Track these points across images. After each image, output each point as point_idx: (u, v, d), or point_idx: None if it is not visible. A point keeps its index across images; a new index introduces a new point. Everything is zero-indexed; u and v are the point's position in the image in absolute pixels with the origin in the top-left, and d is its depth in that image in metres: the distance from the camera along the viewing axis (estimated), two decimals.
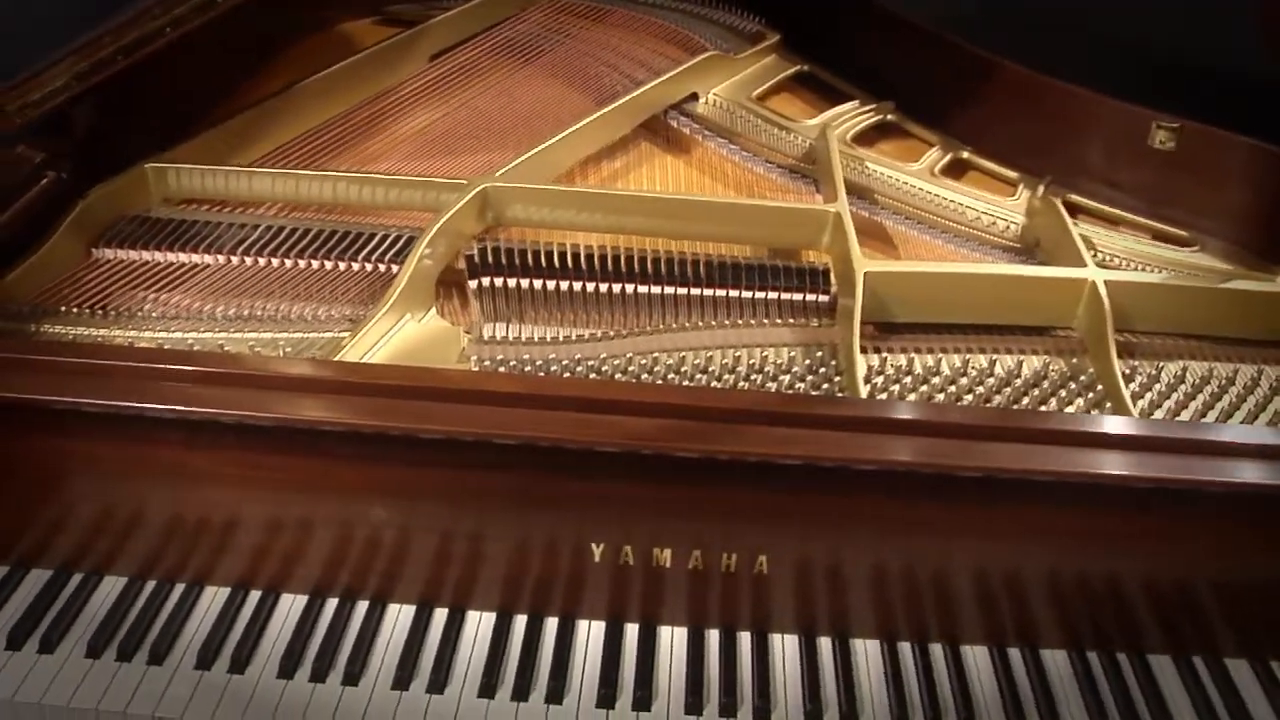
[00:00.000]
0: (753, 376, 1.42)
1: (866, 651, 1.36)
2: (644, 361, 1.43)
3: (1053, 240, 1.69)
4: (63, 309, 1.48)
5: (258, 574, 1.37)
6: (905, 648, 1.36)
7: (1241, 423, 1.44)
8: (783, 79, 2.15)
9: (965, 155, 1.95)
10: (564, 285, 1.55)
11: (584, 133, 1.82)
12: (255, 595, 1.37)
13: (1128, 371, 1.50)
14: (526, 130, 1.89)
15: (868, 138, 2.00)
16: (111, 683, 1.27)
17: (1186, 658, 1.36)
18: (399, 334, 1.47)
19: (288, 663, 1.29)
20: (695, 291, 1.55)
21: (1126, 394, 1.42)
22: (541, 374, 1.41)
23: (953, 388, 1.44)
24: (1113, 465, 1.25)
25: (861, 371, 1.45)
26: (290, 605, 1.36)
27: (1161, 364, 1.52)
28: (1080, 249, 1.62)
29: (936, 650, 1.36)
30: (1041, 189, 1.83)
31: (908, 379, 1.44)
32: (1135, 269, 1.69)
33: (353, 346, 1.39)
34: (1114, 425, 1.29)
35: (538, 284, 1.55)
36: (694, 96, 2.04)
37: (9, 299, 1.47)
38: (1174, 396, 1.46)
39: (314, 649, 1.31)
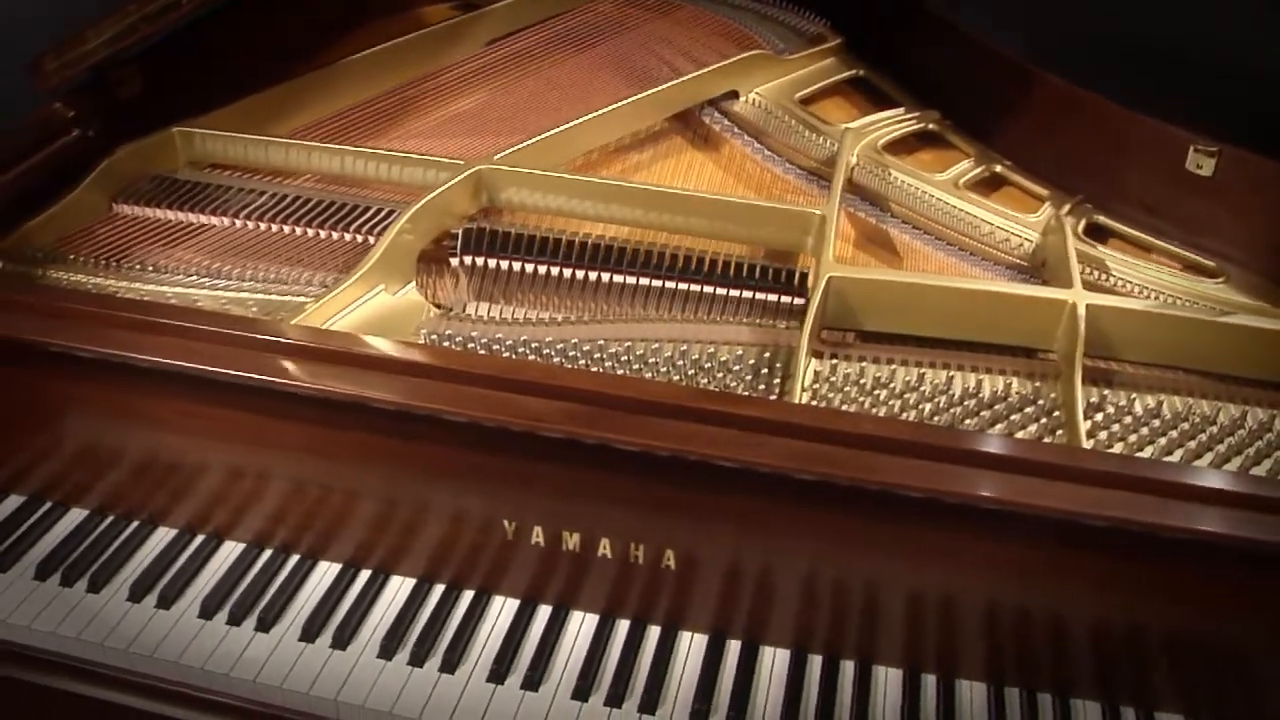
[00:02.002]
0: (691, 371, 1.42)
1: (774, 660, 1.34)
2: (587, 348, 1.44)
3: (1056, 260, 1.62)
4: (71, 257, 1.58)
5: (204, 520, 1.44)
6: (815, 660, 1.34)
7: (1209, 465, 1.36)
8: (834, 82, 2.11)
9: (999, 169, 1.89)
10: (535, 269, 1.58)
11: (600, 122, 1.84)
12: (198, 540, 1.44)
13: (1096, 401, 1.43)
14: (558, 117, 1.91)
15: (908, 146, 1.96)
16: (49, 605, 1.36)
17: (1114, 707, 1.29)
18: (367, 304, 1.52)
19: (209, 604, 1.36)
20: (662, 283, 1.55)
21: (1082, 424, 1.35)
22: (481, 351, 1.43)
23: (896, 401, 1.40)
24: (1029, 493, 1.19)
25: (809, 377, 1.43)
26: (228, 552, 1.43)
27: (1135, 396, 1.44)
28: (1073, 270, 1.55)
29: (847, 668, 1.33)
30: (1067, 208, 1.77)
31: (852, 388, 1.42)
32: (1153, 298, 1.61)
33: (314, 310, 1.45)
34: (1039, 452, 1.24)
35: (515, 266, 1.59)
36: (735, 94, 2.03)
37: (26, 244, 1.58)
38: (1141, 431, 1.39)
39: (236, 595, 1.38)
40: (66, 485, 1.47)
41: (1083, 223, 1.75)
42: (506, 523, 1.34)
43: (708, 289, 1.55)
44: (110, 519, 1.46)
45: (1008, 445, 1.24)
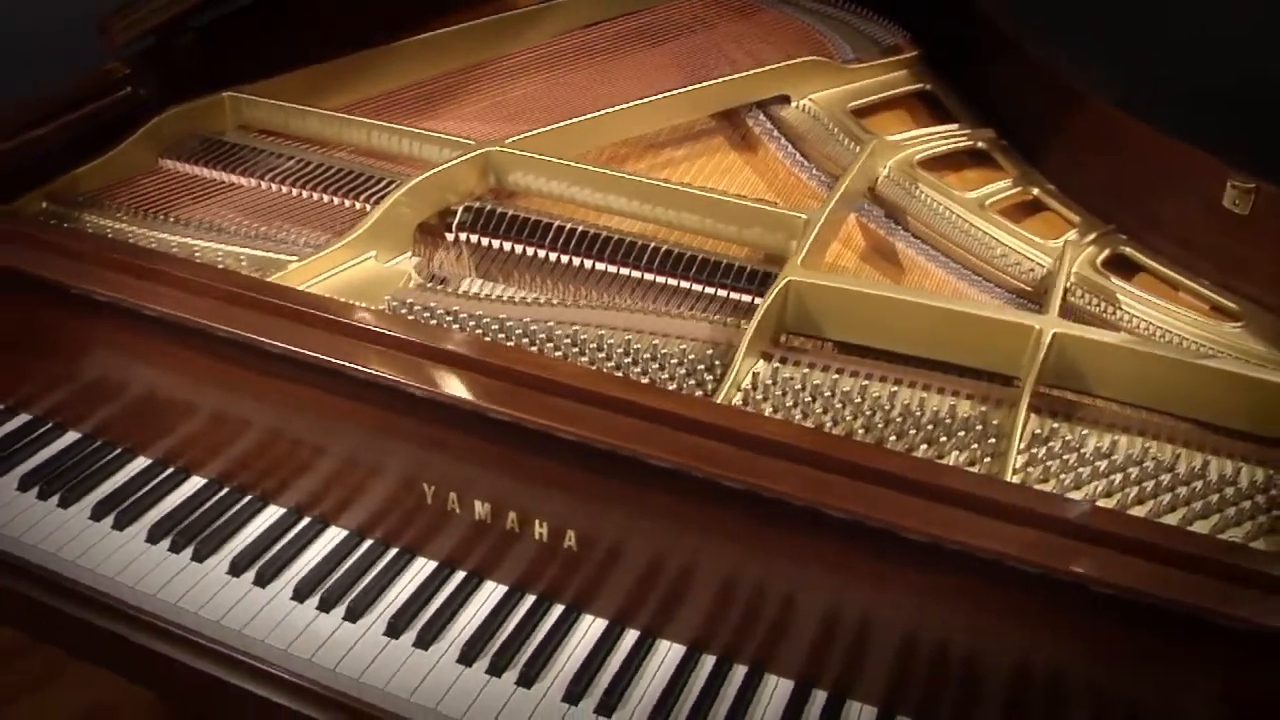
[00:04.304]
0: (628, 360, 1.43)
1: (667, 654, 1.34)
2: (535, 328, 1.47)
3: (1052, 287, 1.56)
4: (107, 204, 1.72)
5: (176, 454, 1.55)
6: (708, 660, 1.33)
7: (1147, 514, 1.28)
8: (896, 95, 2.07)
9: (1036, 192, 1.82)
10: (524, 250, 1.63)
11: (626, 115, 1.86)
12: (167, 471, 1.55)
13: (1043, 433, 1.37)
14: (597, 108, 1.94)
15: (954, 163, 1.91)
16: (20, 514, 1.49)
17: None
18: (353, 269, 1.59)
19: (156, 531, 1.46)
20: (641, 275, 1.58)
21: (1014, 455, 1.30)
22: (434, 323, 1.48)
23: (826, 411, 1.38)
24: (902, 513, 1.16)
25: (746, 378, 1.42)
26: (190, 487, 1.53)
27: (1089, 433, 1.37)
28: (1054, 297, 1.49)
29: (738, 672, 1.32)
30: (1092, 236, 1.70)
31: (786, 394, 1.40)
32: (1159, 336, 1.53)
33: (297, 269, 1.53)
34: (922, 472, 1.19)
35: (503, 245, 1.64)
36: (786, 99, 2.02)
37: (73, 188, 1.72)
38: (1079, 471, 1.32)
39: (184, 524, 1.47)
40: (65, 409, 1.60)
41: (1105, 253, 1.67)
42: (426, 486, 1.38)
43: (673, 282, 1.56)
44: (98, 444, 1.58)
45: (895, 462, 1.20)
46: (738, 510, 1.23)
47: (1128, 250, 1.69)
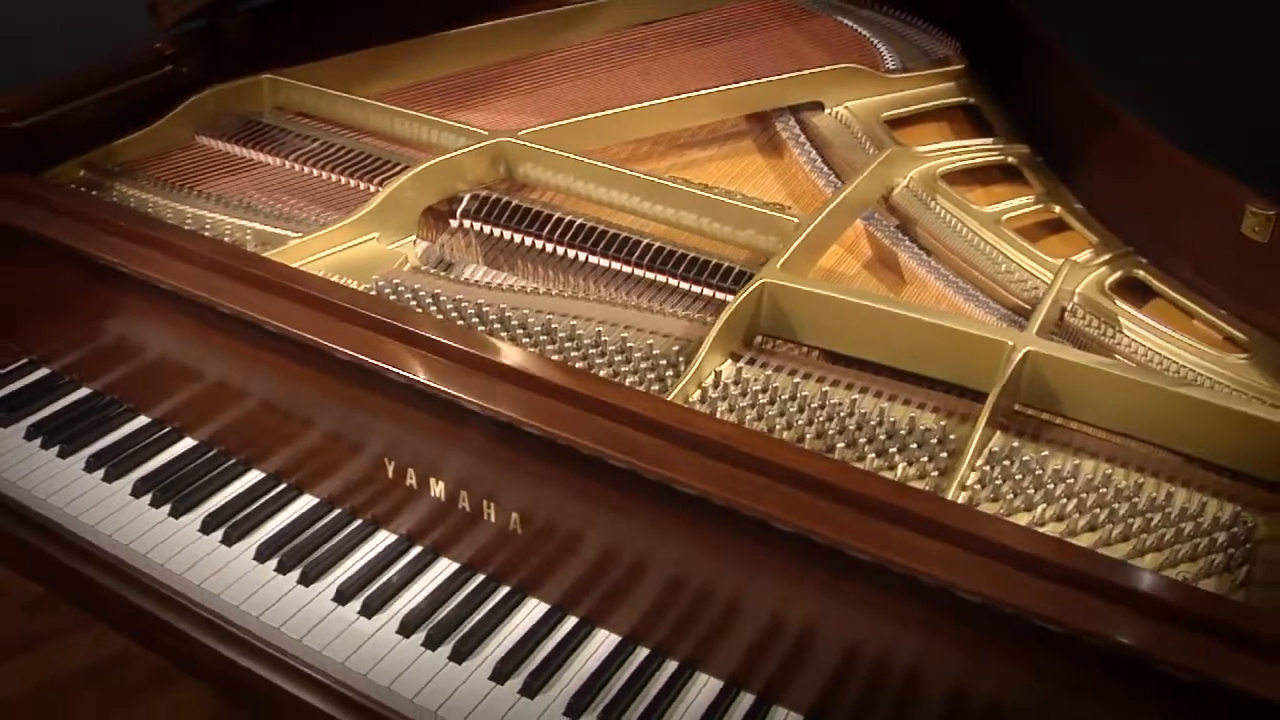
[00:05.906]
0: (592, 352, 1.44)
1: (602, 642, 1.35)
2: (510, 315, 1.49)
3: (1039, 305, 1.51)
4: (138, 174, 1.80)
5: (172, 415, 1.62)
6: (641, 652, 1.33)
7: (1094, 544, 1.24)
8: (936, 107, 2.04)
9: (1058, 209, 1.77)
10: (523, 239, 1.66)
11: (644, 114, 1.88)
12: (162, 431, 1.62)
13: (1003, 451, 1.33)
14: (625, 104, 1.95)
15: (985, 177, 1.88)
16: (22, 460, 1.57)
17: None
18: (353, 249, 1.63)
19: (142, 486, 1.53)
20: (620, 267, 1.60)
21: (961, 471, 1.27)
22: (414, 304, 1.52)
23: (778, 414, 1.36)
24: (814, 517, 1.15)
25: (708, 376, 1.41)
26: (179, 448, 1.60)
27: (1050, 454, 1.33)
28: (1037, 316, 1.45)
29: (668, 667, 1.32)
30: (1105, 257, 1.65)
31: (742, 394, 1.39)
32: (1155, 363, 1.48)
33: (297, 245, 1.58)
34: (846, 478, 1.18)
35: (500, 234, 1.67)
36: (820, 106, 2.01)
37: (111, 158, 1.81)
38: (1029, 493, 1.28)
39: (169, 480, 1.53)
40: (81, 366, 1.68)
41: (1116, 275, 1.62)
42: (387, 461, 1.42)
43: (660, 278, 1.57)
44: (106, 400, 1.66)
45: (818, 466, 1.18)
46: (676, 506, 1.22)
47: (1141, 274, 1.63)
